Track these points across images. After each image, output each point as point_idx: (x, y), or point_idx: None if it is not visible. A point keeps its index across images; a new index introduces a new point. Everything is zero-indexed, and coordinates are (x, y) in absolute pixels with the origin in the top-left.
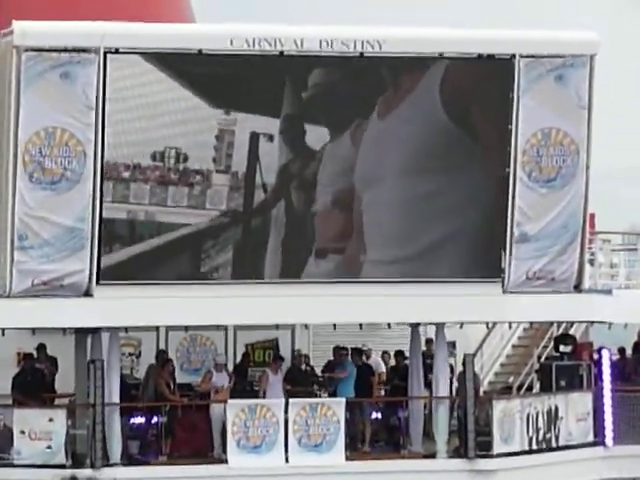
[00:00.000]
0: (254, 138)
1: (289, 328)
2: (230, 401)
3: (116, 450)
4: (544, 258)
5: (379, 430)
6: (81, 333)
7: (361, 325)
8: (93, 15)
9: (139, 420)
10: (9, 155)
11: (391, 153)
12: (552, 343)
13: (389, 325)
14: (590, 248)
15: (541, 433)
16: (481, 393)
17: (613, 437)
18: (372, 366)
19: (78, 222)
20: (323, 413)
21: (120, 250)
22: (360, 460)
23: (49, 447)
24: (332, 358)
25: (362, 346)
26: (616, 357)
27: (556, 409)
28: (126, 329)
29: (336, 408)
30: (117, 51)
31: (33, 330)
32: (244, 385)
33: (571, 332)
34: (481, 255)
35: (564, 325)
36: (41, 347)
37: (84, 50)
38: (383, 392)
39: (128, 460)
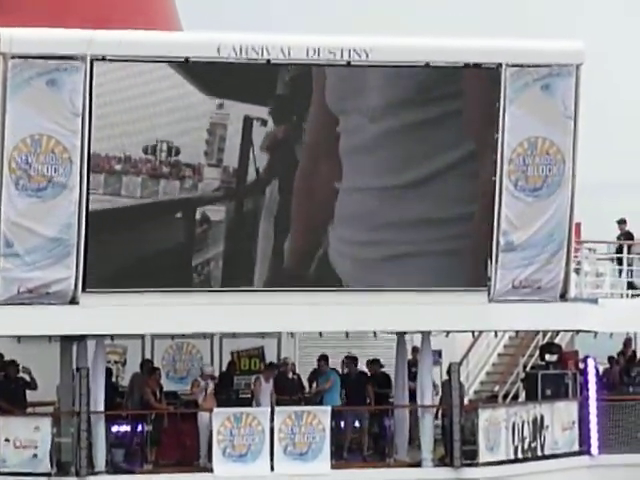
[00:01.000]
0: (247, 122)
1: (275, 336)
2: (216, 410)
3: (101, 458)
4: (530, 267)
5: (362, 438)
6: (66, 341)
7: (347, 333)
8: (81, 23)
9: (124, 428)
10: None
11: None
12: (538, 352)
13: (375, 334)
14: (576, 257)
15: (527, 442)
16: (466, 402)
17: (599, 446)
18: (368, 374)
19: (64, 229)
20: (309, 421)
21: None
22: (345, 469)
23: (34, 455)
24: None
25: (349, 353)
26: (605, 366)
27: (542, 418)
28: (112, 337)
29: (322, 416)
30: (104, 58)
31: (18, 338)
32: (230, 394)
33: (557, 341)
34: (467, 264)
35: (550, 334)
36: (10, 363)
37: (71, 57)
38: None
39: (113, 468)
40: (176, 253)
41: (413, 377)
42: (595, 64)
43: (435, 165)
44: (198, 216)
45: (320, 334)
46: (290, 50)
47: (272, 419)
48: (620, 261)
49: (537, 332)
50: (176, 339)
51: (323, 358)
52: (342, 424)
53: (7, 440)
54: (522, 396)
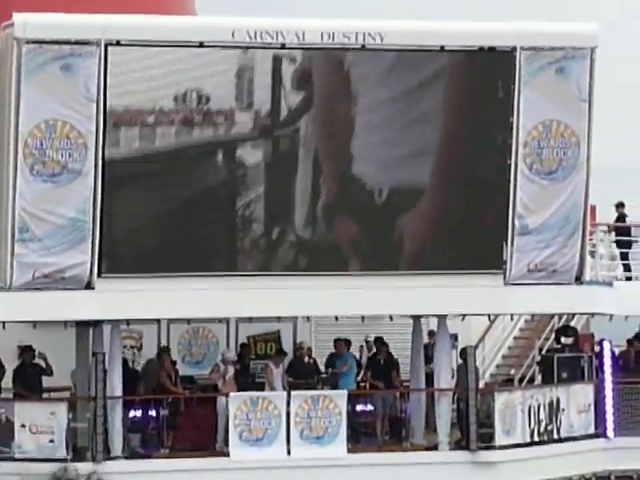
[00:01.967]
0: (277, 61)
1: (291, 320)
2: (232, 394)
3: (117, 443)
4: (546, 250)
5: (378, 422)
6: (82, 326)
7: (363, 317)
8: (95, 8)
9: (141, 413)
10: (10, 147)
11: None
12: (553, 335)
13: (391, 317)
14: (591, 240)
15: (543, 425)
16: (482, 385)
17: (614, 429)
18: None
19: (79, 214)
20: (325, 405)
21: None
22: (362, 452)
23: (51, 441)
24: (333, 350)
25: (367, 337)
26: (621, 349)
27: (557, 401)
28: (127, 322)
29: (338, 400)
30: (118, 43)
31: (34, 323)
32: (246, 378)
33: (572, 324)
34: (483, 247)
35: (565, 317)
36: (26, 349)
37: (85, 42)
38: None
39: (130, 453)
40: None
41: (429, 361)
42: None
43: None
44: (236, 160)
45: (336, 318)
46: (304, 34)
47: (288, 403)
48: (628, 244)
49: (553, 315)
50: (192, 324)
51: (343, 341)
52: (359, 408)
53: (23, 426)
54: (538, 379)
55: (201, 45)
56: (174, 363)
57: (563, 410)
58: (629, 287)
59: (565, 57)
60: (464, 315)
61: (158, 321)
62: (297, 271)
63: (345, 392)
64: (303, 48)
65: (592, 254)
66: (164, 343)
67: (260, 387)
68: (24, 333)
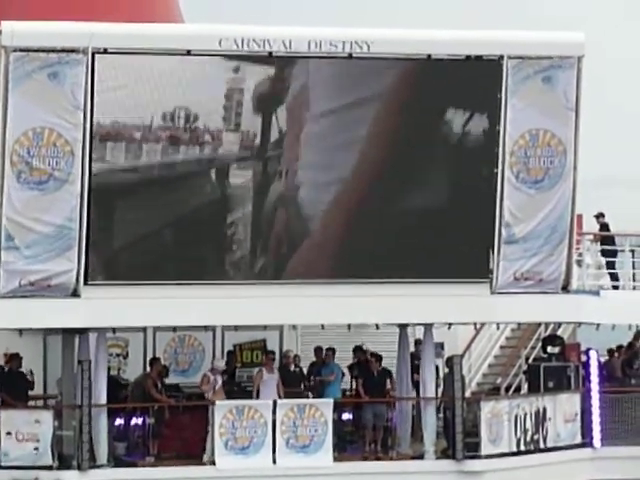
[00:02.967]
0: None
1: (277, 329)
2: (218, 402)
3: (103, 451)
4: (532, 259)
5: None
6: (68, 334)
7: (349, 326)
8: (82, 16)
9: (126, 421)
10: None
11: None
12: (540, 344)
13: (377, 326)
14: (578, 249)
15: (529, 434)
16: (468, 394)
17: (601, 438)
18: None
19: (66, 222)
20: (311, 414)
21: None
22: (348, 461)
23: (36, 448)
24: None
25: (362, 345)
26: (605, 358)
27: (544, 410)
28: (114, 330)
29: (324, 409)
30: (105, 51)
31: (20, 331)
32: (232, 386)
33: (559, 333)
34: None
35: (552, 326)
36: (13, 356)
37: (72, 50)
38: None
39: (115, 461)
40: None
41: (416, 369)
42: (596, 55)
43: None
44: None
45: (322, 326)
46: (291, 42)
47: (274, 411)
48: (613, 253)
49: (539, 324)
50: (178, 332)
51: (330, 350)
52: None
53: (9, 433)
54: (524, 388)
55: (188, 53)
56: (163, 372)
57: (550, 419)
58: (616, 296)
59: (552, 66)
60: (450, 324)
61: (144, 329)
62: (283, 279)
63: (331, 401)
64: (290, 56)
65: (579, 263)
66: (150, 351)
67: (247, 395)
68: (10, 340)
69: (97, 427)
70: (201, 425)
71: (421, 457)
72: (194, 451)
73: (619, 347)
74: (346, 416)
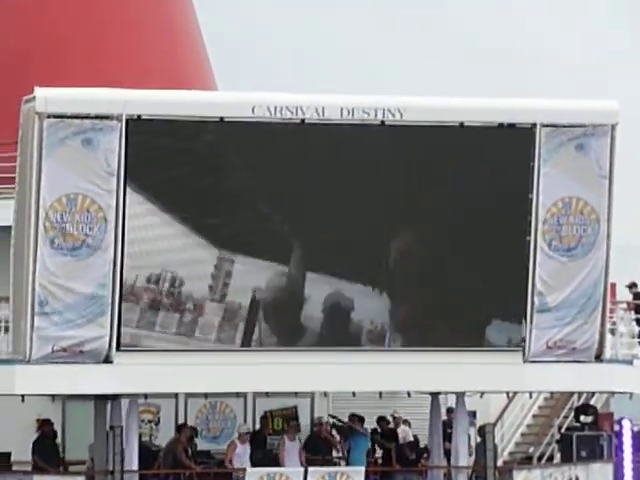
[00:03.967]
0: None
1: (308, 396)
2: (249, 469)
3: None
4: (565, 327)
5: None
6: (100, 399)
7: (381, 393)
8: (116, 83)
9: None
10: (31, 221)
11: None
12: (573, 413)
13: (409, 394)
14: (611, 317)
15: None
16: (499, 463)
17: None
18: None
19: (99, 288)
20: None
21: None
22: None
23: None
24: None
25: (394, 413)
26: (638, 428)
27: (577, 479)
28: (145, 396)
29: (355, 477)
30: (139, 118)
31: (53, 396)
32: (264, 453)
33: (592, 402)
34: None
35: (585, 395)
36: (45, 422)
37: (106, 117)
38: None
39: None
40: None
41: (447, 438)
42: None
43: None
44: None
45: (353, 394)
46: (324, 110)
47: (305, 479)
48: None
49: (572, 393)
50: (209, 398)
51: (355, 416)
52: None
53: None
54: (557, 457)
55: (221, 120)
56: (192, 435)
57: None
58: None
59: (585, 134)
60: (483, 392)
61: (176, 395)
62: (314, 346)
63: (362, 469)
64: (323, 124)
65: (612, 332)
66: (182, 417)
67: (277, 462)
68: (42, 406)
69: None
70: None
71: None
72: None
73: None
74: None
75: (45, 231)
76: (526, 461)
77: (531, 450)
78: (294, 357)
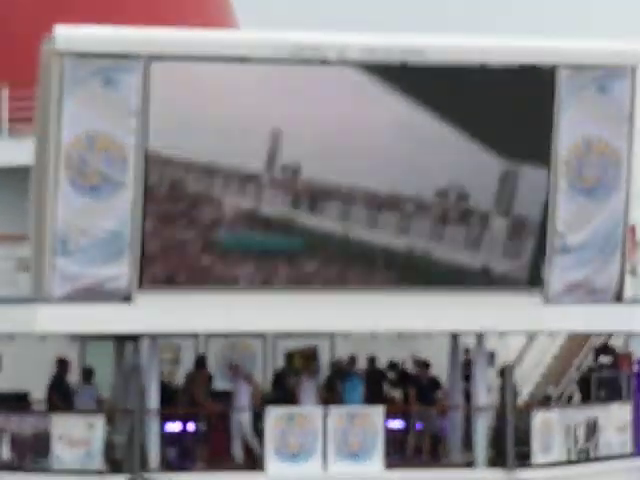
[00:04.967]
0: None
1: (328, 336)
2: (269, 408)
3: (154, 456)
4: (585, 268)
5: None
6: (120, 339)
7: (399, 334)
8: (135, 21)
9: (176, 427)
10: (51, 160)
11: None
12: (592, 354)
13: (428, 335)
14: (631, 259)
15: (580, 444)
16: (519, 403)
17: None
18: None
19: (119, 227)
20: (362, 422)
21: None
22: (399, 468)
23: (87, 453)
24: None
25: (413, 355)
26: None
27: (595, 420)
28: (166, 335)
29: (375, 417)
30: (160, 57)
31: (71, 336)
32: (285, 393)
33: (611, 343)
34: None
35: (604, 336)
36: (63, 362)
37: (127, 56)
38: None
39: (166, 466)
40: None
41: (466, 378)
42: None
43: None
44: None
45: (373, 334)
46: (345, 49)
47: (325, 419)
48: None
49: (591, 334)
50: (230, 338)
51: (352, 358)
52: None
53: (60, 438)
54: (576, 398)
55: (243, 59)
56: (210, 377)
57: (601, 429)
58: None
59: (606, 75)
60: (502, 333)
61: (196, 335)
62: (334, 286)
63: (381, 408)
64: (344, 63)
65: (632, 273)
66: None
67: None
68: (62, 345)
69: (148, 432)
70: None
71: (472, 465)
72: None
73: None
74: (395, 424)
75: (65, 170)
76: (545, 401)
77: (550, 390)
78: (312, 297)
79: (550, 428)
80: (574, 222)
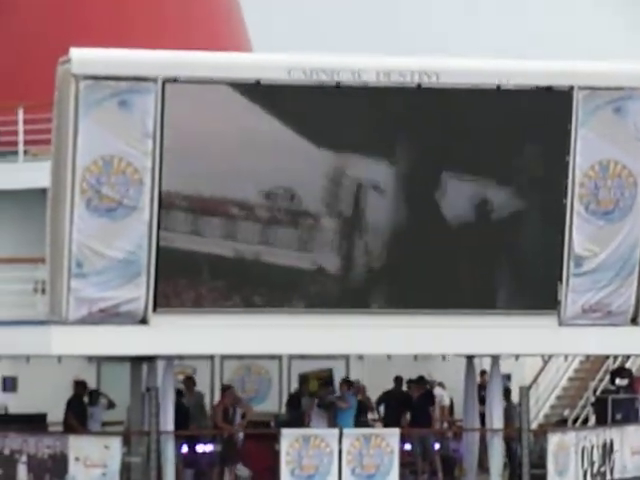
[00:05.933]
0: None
1: (344, 358)
2: (284, 430)
3: (170, 478)
4: (602, 291)
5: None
6: (136, 361)
7: (416, 356)
8: (150, 45)
9: (193, 449)
10: (67, 182)
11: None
12: (608, 376)
13: (443, 356)
14: None
15: (596, 466)
16: (534, 426)
17: None
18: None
19: (135, 249)
20: (377, 444)
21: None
22: None
23: (103, 474)
24: (388, 389)
25: (428, 376)
26: None
27: (611, 442)
28: (181, 357)
29: (390, 439)
30: (175, 80)
31: (89, 358)
32: (299, 414)
33: (627, 365)
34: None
35: (620, 358)
36: (80, 384)
37: (143, 79)
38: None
39: None
40: None
41: (481, 401)
42: None
43: None
44: None
45: (388, 356)
46: (360, 72)
47: (340, 441)
48: None
49: (607, 356)
50: (245, 360)
51: (346, 381)
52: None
53: (77, 459)
54: (592, 420)
55: (258, 83)
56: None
57: (617, 452)
58: None
59: (622, 97)
60: (517, 355)
61: (211, 357)
62: (349, 308)
63: (397, 431)
64: (358, 87)
65: None
66: (217, 378)
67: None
68: (79, 367)
69: (165, 454)
70: (268, 454)
71: None
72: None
73: None
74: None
75: (81, 192)
76: (561, 424)
77: (566, 413)
78: (328, 320)
79: (565, 451)
80: (590, 245)
